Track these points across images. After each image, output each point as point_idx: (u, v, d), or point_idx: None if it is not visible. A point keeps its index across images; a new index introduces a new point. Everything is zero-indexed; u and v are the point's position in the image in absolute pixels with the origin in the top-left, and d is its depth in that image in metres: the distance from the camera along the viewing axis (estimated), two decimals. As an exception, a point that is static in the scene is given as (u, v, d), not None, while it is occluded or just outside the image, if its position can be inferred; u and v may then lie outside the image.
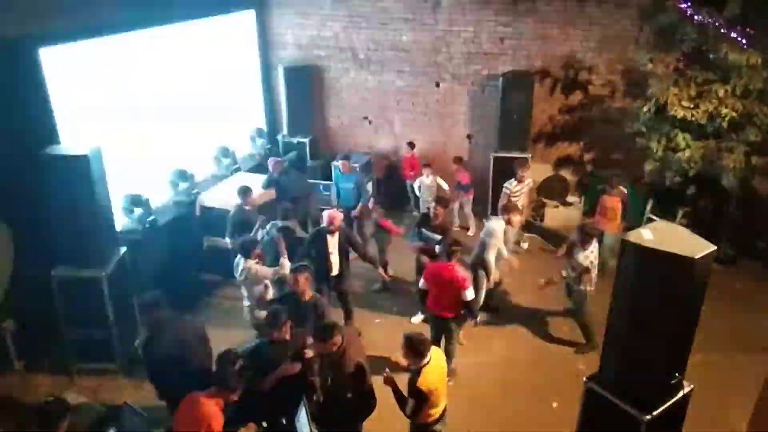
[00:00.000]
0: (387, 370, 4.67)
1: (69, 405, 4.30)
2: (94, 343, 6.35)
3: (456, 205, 9.70)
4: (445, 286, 5.98)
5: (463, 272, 6.01)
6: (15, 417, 4.63)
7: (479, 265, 7.00)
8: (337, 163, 8.99)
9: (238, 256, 6.27)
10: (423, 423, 4.70)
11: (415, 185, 9.64)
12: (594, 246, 6.68)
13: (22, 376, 6.30)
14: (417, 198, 9.80)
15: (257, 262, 6.27)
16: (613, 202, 8.03)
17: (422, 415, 4.63)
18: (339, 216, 6.82)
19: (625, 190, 8.15)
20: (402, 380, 4.63)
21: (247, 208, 7.44)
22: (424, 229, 7.19)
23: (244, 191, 7.49)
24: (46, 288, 6.15)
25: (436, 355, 4.64)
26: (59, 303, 6.22)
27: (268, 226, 7.13)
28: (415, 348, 4.45)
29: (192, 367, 4.95)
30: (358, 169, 9.46)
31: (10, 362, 6.32)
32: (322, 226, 6.83)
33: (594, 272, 6.67)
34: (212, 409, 4.14)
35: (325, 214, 6.82)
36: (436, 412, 4.69)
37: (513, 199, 8.22)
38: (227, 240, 7.43)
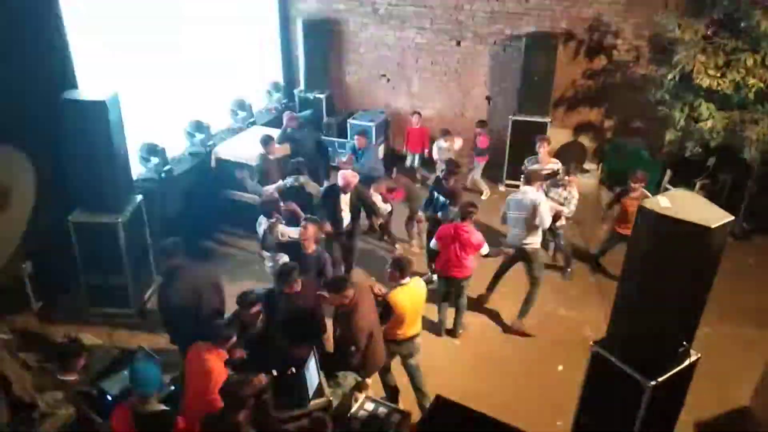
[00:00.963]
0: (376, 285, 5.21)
1: (85, 345, 4.42)
2: (110, 289, 6.48)
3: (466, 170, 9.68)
4: (460, 246, 6.06)
5: (477, 234, 6.15)
6: (35, 354, 4.78)
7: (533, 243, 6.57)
8: (353, 140, 8.88)
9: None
10: (388, 338, 5.15)
11: (434, 150, 9.54)
12: (575, 192, 7.04)
13: (39, 317, 6.45)
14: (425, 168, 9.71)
15: (275, 221, 6.30)
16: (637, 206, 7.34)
17: (387, 330, 5.10)
18: (354, 179, 6.79)
19: (647, 193, 7.26)
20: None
21: (270, 157, 7.49)
22: (436, 192, 7.17)
23: (267, 140, 7.55)
24: (63, 232, 6.25)
25: (415, 283, 5.15)
26: (76, 248, 6.32)
27: (288, 180, 7.13)
28: (400, 266, 5.05)
29: (204, 314, 5.06)
30: (373, 141, 9.45)
31: (28, 303, 6.47)
32: (335, 183, 6.83)
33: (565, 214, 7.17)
34: (215, 363, 4.25)
35: (341, 174, 6.81)
36: (401, 332, 5.18)
37: None
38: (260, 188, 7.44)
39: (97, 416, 4.05)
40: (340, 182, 6.72)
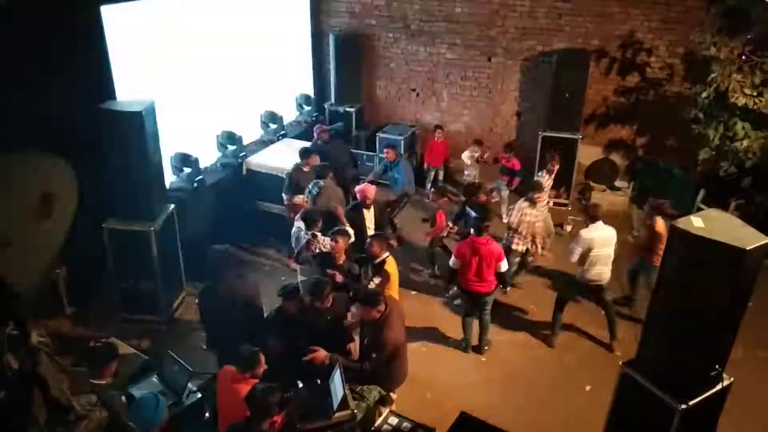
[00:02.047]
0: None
1: (116, 348, 4.51)
2: (141, 295, 6.60)
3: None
4: (484, 260, 6.06)
5: (497, 245, 6.21)
6: (68, 357, 4.89)
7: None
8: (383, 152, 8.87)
9: (298, 225, 6.38)
10: None
11: (465, 158, 9.42)
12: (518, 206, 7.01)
13: (72, 321, 6.60)
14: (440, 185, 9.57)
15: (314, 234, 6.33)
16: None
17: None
18: (371, 190, 6.81)
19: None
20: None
21: (305, 169, 7.56)
22: (468, 207, 7.13)
23: (306, 153, 7.67)
24: (96, 238, 6.40)
25: (390, 257, 5.95)
26: (109, 254, 6.46)
27: (309, 185, 7.20)
28: (383, 241, 5.92)
29: (237, 328, 5.10)
30: (402, 154, 9.37)
31: (63, 306, 6.62)
32: (356, 202, 6.88)
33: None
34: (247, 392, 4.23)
35: (358, 188, 6.86)
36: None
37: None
38: (284, 196, 7.60)
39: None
40: (358, 196, 6.75)
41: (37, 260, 5.90)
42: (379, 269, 5.82)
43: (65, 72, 6.09)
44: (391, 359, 4.96)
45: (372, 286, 5.68)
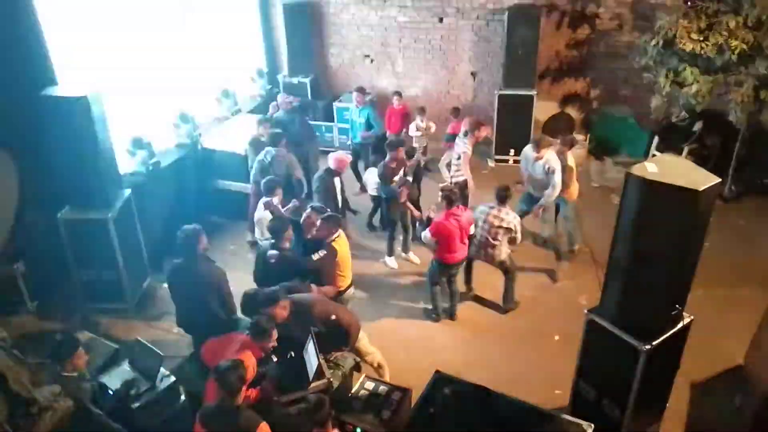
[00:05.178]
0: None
1: (79, 339, 4.42)
2: (104, 284, 6.45)
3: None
4: (464, 230, 6.14)
5: (469, 212, 6.31)
6: (35, 352, 4.79)
7: None
8: (352, 97, 8.76)
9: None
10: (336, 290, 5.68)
11: (412, 131, 9.35)
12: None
13: (35, 316, 6.43)
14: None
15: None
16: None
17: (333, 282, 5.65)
18: (347, 160, 6.88)
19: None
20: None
21: (263, 139, 7.48)
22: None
23: (262, 121, 7.64)
24: (53, 230, 6.21)
25: (342, 234, 5.76)
26: (67, 245, 6.29)
27: (262, 154, 7.13)
28: (335, 221, 5.67)
29: (200, 310, 5.07)
30: (370, 101, 9.26)
31: (24, 303, 6.44)
32: (328, 167, 6.82)
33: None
34: (251, 361, 4.20)
35: (333, 156, 6.81)
36: (343, 282, 5.73)
37: None
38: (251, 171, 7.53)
39: (96, 409, 4.07)
40: (333, 165, 6.71)
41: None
42: (326, 246, 5.64)
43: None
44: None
45: (315, 258, 5.50)
